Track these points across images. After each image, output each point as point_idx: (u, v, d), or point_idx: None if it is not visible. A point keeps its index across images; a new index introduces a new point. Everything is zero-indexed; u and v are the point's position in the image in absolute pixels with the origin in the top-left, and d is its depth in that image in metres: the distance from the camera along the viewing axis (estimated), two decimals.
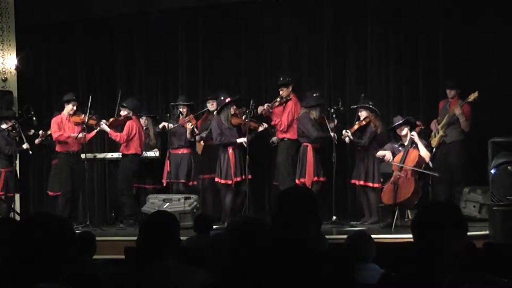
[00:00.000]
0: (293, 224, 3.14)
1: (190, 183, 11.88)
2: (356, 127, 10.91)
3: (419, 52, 11.94)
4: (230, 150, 11.21)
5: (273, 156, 11.98)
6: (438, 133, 10.84)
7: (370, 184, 10.81)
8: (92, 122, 11.84)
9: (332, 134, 10.77)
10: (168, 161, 11.84)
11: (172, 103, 12.42)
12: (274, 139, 11.78)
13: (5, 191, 12.08)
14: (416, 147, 10.32)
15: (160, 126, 12.12)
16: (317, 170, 10.85)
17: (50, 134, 12.15)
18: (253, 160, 11.26)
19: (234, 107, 11.49)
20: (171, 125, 11.87)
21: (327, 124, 10.87)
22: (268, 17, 12.69)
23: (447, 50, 11.71)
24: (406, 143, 10.39)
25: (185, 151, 11.90)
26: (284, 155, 11.22)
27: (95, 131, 11.98)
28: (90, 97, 11.74)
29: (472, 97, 10.50)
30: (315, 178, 10.80)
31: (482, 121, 10.83)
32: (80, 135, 11.67)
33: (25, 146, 12.09)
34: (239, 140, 11.19)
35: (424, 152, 10.28)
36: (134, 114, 11.99)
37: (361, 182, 10.87)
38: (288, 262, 3.05)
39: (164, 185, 11.93)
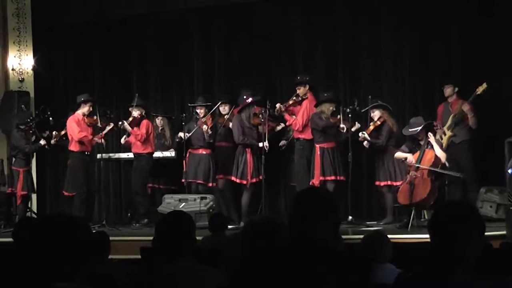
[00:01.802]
0: (310, 225, 3.15)
1: (210, 184, 11.72)
2: (371, 127, 10.87)
3: (434, 52, 11.90)
4: (248, 151, 11.20)
5: (289, 157, 11.96)
6: (444, 135, 10.74)
7: (394, 183, 10.76)
8: (102, 124, 11.86)
9: (342, 126, 10.73)
10: (185, 161, 11.80)
11: (190, 104, 12.37)
12: (282, 143, 11.75)
13: (26, 191, 12.18)
14: (432, 147, 10.27)
15: (178, 136, 12.06)
16: (325, 169, 10.80)
17: (64, 134, 12.19)
18: (269, 160, 11.24)
19: (255, 107, 11.48)
20: (187, 135, 11.81)
21: (343, 124, 10.83)
22: (282, 17, 12.68)
23: (461, 50, 11.65)
24: (422, 143, 10.34)
25: (204, 151, 11.79)
26: (299, 156, 11.19)
27: (104, 132, 11.98)
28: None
29: (481, 89, 10.37)
30: (322, 178, 10.77)
31: (491, 119, 10.77)
32: (101, 140, 11.76)
33: (42, 142, 12.17)
34: (261, 145, 11.14)
35: (440, 153, 10.21)
36: (146, 113, 12.06)
37: (383, 183, 10.83)
38: (305, 262, 3.06)
39: (184, 184, 11.82)
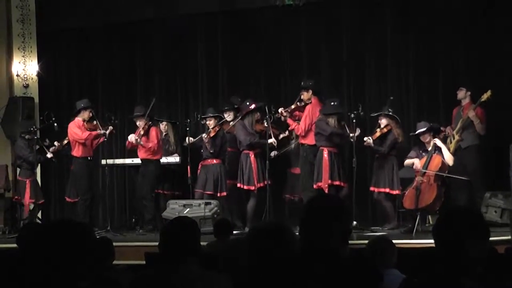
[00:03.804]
0: (322, 232, 3.13)
1: (218, 194, 11.58)
2: (378, 134, 10.86)
3: (439, 57, 11.90)
4: (252, 156, 11.18)
5: (290, 163, 11.97)
6: (453, 139, 10.71)
7: (391, 192, 10.75)
8: (104, 128, 11.84)
9: (351, 134, 10.72)
10: (189, 168, 11.76)
11: (202, 116, 12.24)
12: (272, 154, 11.69)
13: (34, 199, 12.21)
14: (440, 152, 10.25)
15: (186, 143, 11.92)
16: (333, 173, 10.76)
17: (67, 143, 12.18)
18: (273, 165, 11.23)
19: (258, 114, 11.46)
20: (191, 139, 11.76)
21: (347, 129, 10.81)
22: (288, 23, 12.66)
23: (466, 56, 11.64)
24: (429, 149, 10.33)
25: (212, 161, 11.66)
26: (303, 161, 11.17)
27: (101, 134, 11.95)
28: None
29: (486, 96, 10.32)
30: (330, 182, 10.73)
31: (499, 124, 10.73)
32: (102, 131, 11.71)
33: (49, 155, 12.22)
34: (270, 140, 11.11)
35: (448, 156, 10.20)
36: (151, 119, 12.05)
37: (380, 189, 10.81)
38: (315, 268, 3.06)
39: (196, 196, 11.64)
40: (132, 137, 11.80)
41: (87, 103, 11.95)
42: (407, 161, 10.51)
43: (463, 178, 10.23)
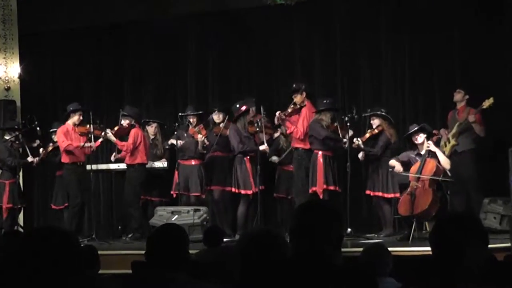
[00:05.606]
0: (314, 238, 3.03)
1: (204, 195, 11.67)
2: (367, 135, 10.79)
3: (435, 60, 11.86)
4: (247, 161, 11.10)
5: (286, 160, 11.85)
6: (449, 143, 10.60)
7: (385, 195, 10.65)
8: (97, 132, 11.69)
9: (344, 139, 10.60)
10: (176, 172, 11.66)
11: (181, 113, 12.23)
12: (273, 158, 11.63)
13: (11, 203, 12.00)
14: (434, 156, 10.10)
15: (169, 142, 11.99)
16: (328, 178, 10.61)
17: (52, 149, 12.02)
18: (264, 170, 11.13)
19: (250, 115, 11.39)
20: (180, 142, 11.70)
21: (339, 132, 10.68)
22: (280, 24, 12.63)
23: (463, 59, 11.58)
24: (422, 152, 10.18)
25: (195, 162, 11.71)
26: (297, 166, 11.01)
27: (99, 140, 11.82)
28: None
29: (488, 103, 10.24)
30: (325, 186, 10.57)
31: (497, 128, 10.64)
32: (88, 144, 11.54)
33: (29, 159, 12.13)
34: (261, 147, 11.07)
35: (444, 160, 10.06)
36: (137, 122, 11.90)
37: (376, 193, 10.69)
38: (308, 276, 2.94)
39: (174, 196, 11.72)
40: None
41: (76, 106, 11.87)
42: (392, 162, 10.36)
43: (451, 180, 10.10)
